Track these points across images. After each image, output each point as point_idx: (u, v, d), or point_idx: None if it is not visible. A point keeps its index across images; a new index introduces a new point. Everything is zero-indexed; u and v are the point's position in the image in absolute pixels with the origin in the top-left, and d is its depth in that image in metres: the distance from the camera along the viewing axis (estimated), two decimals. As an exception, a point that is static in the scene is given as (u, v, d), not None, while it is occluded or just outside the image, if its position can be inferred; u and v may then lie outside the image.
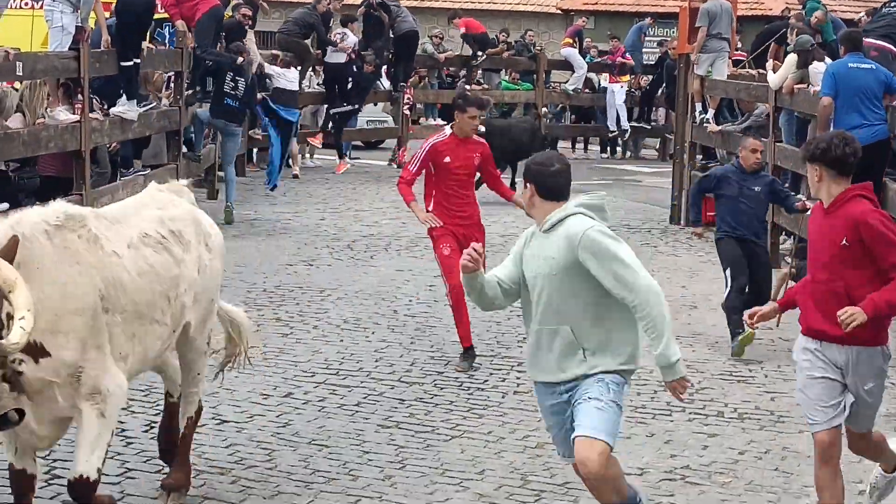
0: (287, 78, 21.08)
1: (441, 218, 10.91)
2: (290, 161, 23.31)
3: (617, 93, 27.90)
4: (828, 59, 15.69)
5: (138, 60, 15.53)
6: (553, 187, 6.65)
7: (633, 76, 28.60)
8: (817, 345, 6.90)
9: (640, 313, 6.40)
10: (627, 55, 28.34)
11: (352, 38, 23.70)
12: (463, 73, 27.74)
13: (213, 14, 17.92)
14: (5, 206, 12.91)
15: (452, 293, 10.67)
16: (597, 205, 6.69)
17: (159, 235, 7.06)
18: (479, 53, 27.07)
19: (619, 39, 29.32)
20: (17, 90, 14.51)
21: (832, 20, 18.59)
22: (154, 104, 17.12)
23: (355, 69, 23.57)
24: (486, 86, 26.98)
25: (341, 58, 23.40)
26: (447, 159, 10.85)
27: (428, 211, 11.00)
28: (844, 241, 6.76)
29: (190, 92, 18.10)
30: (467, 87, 25.70)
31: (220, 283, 7.82)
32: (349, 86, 23.57)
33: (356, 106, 23.93)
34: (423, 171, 11.06)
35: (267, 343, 11.25)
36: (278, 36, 23.84)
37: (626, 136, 28.27)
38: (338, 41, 23.50)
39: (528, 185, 6.69)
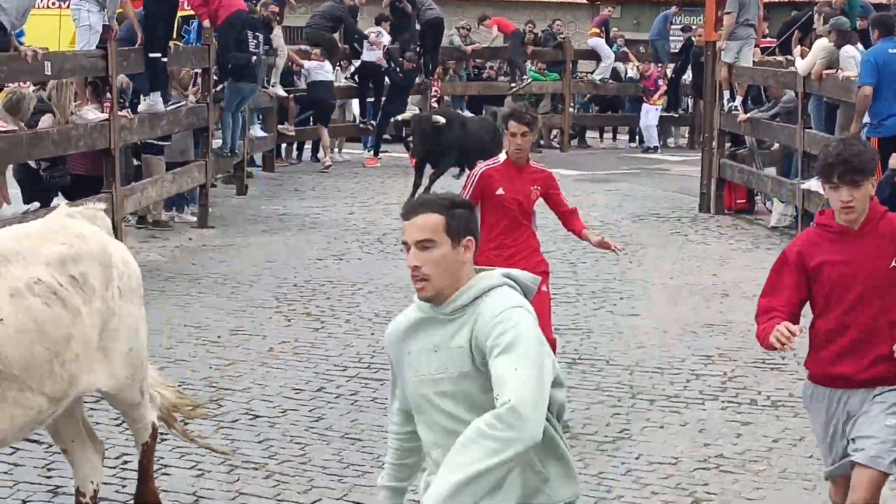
0: (325, 70, 21.63)
1: (488, 254, 8.58)
2: (321, 152, 23.44)
3: (651, 114, 27.73)
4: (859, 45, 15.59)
5: (165, 58, 15.60)
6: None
7: (659, 65, 28.45)
8: (836, 393, 6.03)
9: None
10: (661, 82, 28.00)
11: (386, 37, 23.76)
12: (490, 64, 27.77)
13: (230, 23, 17.93)
14: (35, 205, 12.97)
15: None
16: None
17: (55, 283, 5.91)
18: (516, 83, 26.83)
19: (653, 59, 28.71)
20: (43, 90, 14.56)
21: (861, 4, 18.46)
22: (182, 102, 17.18)
23: (393, 66, 23.67)
24: (527, 77, 26.98)
25: (376, 55, 23.50)
26: (500, 190, 9.02)
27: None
28: (894, 263, 5.85)
29: (217, 88, 18.13)
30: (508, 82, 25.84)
31: (145, 329, 6.65)
32: (386, 84, 23.71)
33: (404, 108, 24.07)
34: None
35: (298, 338, 11.29)
36: (306, 30, 23.94)
37: (657, 152, 27.91)
38: (372, 38, 23.60)
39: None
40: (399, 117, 20.40)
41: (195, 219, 17.43)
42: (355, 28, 24.15)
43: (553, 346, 7.85)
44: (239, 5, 18.12)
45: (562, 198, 9.49)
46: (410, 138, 19.45)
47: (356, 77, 24.76)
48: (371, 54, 23.60)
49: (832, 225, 5.92)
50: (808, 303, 6.00)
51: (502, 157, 9.14)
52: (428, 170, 19.44)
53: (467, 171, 19.17)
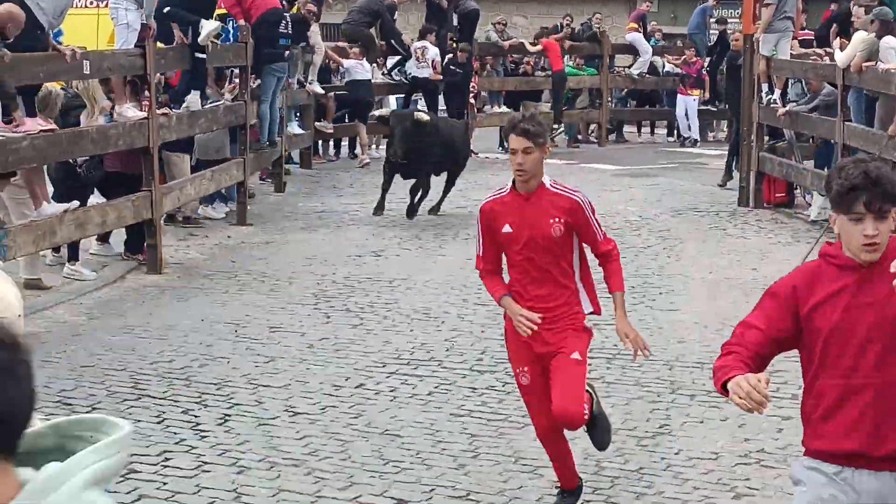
0: (363, 68, 21.74)
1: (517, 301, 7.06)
2: (359, 149, 23.49)
3: (689, 105, 27.58)
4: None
5: (204, 55, 15.66)
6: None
7: (697, 57, 28.32)
8: (846, 472, 4.71)
9: None
10: (704, 72, 27.83)
11: (432, 51, 23.76)
12: (527, 59, 27.72)
13: (264, 21, 17.94)
14: (75, 203, 13.02)
15: (538, 434, 7.34)
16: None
17: None
18: (555, 127, 26.73)
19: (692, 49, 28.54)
20: (72, 89, 14.60)
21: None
22: (218, 100, 17.24)
23: (450, 65, 23.78)
24: (559, 127, 26.90)
25: (427, 72, 23.57)
26: (507, 227, 6.95)
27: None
28: None
29: (255, 85, 18.17)
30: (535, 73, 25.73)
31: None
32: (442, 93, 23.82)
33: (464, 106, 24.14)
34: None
35: (337, 335, 11.30)
36: (344, 27, 23.99)
37: (696, 145, 27.77)
38: (419, 55, 23.67)
39: None
40: (376, 113, 19.28)
41: (222, 215, 17.52)
42: (393, 25, 24.18)
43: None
44: (273, 3, 18.15)
45: (594, 232, 7.00)
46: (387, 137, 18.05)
47: (392, 74, 24.85)
48: (422, 70, 23.67)
49: (839, 256, 4.71)
50: (798, 353, 4.93)
51: (508, 184, 7.05)
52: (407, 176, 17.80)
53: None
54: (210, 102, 16.66)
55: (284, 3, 19.45)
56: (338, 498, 7.53)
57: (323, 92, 22.12)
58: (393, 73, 24.96)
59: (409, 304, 12.50)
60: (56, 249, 13.72)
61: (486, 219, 7.02)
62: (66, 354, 10.53)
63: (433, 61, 23.67)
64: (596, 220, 6.99)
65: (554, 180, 7.06)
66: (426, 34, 24.29)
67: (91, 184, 14.17)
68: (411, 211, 17.51)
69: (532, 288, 7.00)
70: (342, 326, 11.63)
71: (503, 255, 7.11)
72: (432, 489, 7.69)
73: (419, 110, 18.66)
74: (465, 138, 19.12)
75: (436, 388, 9.80)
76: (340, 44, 23.75)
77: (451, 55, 24.06)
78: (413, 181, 17.77)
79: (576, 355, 6.94)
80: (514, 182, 6.93)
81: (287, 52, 18.48)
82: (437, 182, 18.00)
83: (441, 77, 23.74)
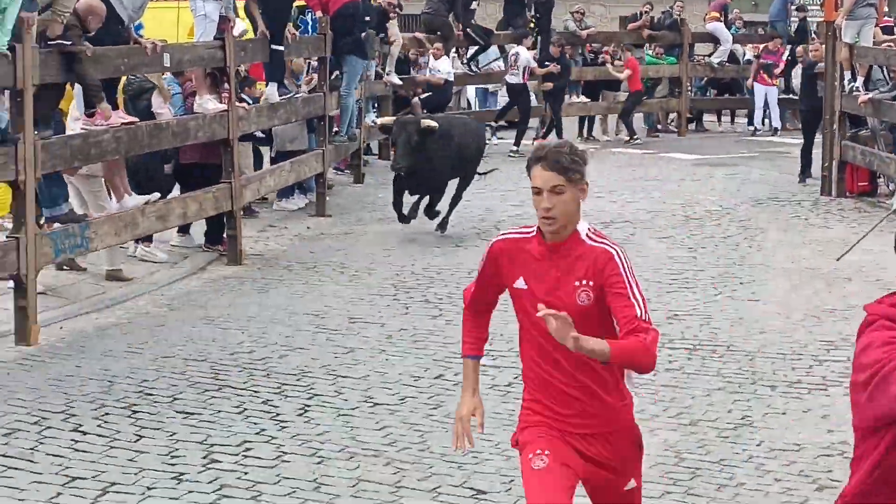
0: (444, 66, 21.81)
1: (535, 410, 5.15)
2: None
3: (769, 93, 27.29)
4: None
5: (282, 47, 15.73)
6: None
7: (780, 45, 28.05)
8: None
9: None
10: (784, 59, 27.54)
11: (524, 56, 23.70)
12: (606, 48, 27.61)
13: (339, 15, 17.96)
14: (156, 195, 13.13)
15: None
16: None
17: None
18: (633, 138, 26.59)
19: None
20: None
21: None
22: (296, 92, 17.30)
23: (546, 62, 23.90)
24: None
25: (516, 79, 23.61)
26: (520, 282, 5.14)
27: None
28: None
29: (334, 76, 18.21)
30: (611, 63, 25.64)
31: None
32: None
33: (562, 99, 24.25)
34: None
35: (416, 325, 11.31)
36: (423, 16, 24.02)
37: (777, 133, 27.50)
38: (512, 61, 23.74)
39: None
40: (378, 121, 17.21)
41: (301, 205, 17.62)
42: (469, 12, 24.15)
43: None
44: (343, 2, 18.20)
45: (625, 300, 4.81)
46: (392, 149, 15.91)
47: (470, 65, 24.88)
48: (513, 77, 23.66)
49: None
50: None
51: (535, 227, 5.10)
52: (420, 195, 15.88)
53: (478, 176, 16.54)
54: (284, 94, 16.71)
55: None
56: (417, 488, 7.53)
57: (401, 83, 22.13)
58: (471, 64, 24.96)
59: (488, 295, 12.43)
60: (139, 240, 13.85)
61: (496, 261, 5.19)
62: (147, 345, 10.62)
63: (525, 68, 23.59)
64: (634, 282, 4.83)
65: (593, 228, 5.02)
66: (521, 39, 24.26)
67: (163, 177, 14.29)
68: (443, 225, 15.85)
69: (557, 379, 5.01)
70: (421, 317, 11.63)
71: (518, 320, 5.22)
72: (511, 480, 7.66)
73: (426, 116, 16.10)
74: (480, 141, 16.78)
75: (514, 378, 9.74)
76: (418, 35, 23.77)
77: (534, 51, 23.97)
78: (419, 196, 15.75)
79: (632, 484, 5.16)
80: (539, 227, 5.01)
81: (364, 34, 18.46)
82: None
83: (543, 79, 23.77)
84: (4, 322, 11.06)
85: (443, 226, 15.74)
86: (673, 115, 28.83)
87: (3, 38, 10.52)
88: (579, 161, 4.93)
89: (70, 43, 11.42)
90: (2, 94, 11.17)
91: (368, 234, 15.76)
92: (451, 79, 23.13)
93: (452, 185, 16.13)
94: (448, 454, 8.07)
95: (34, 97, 10.81)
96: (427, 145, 14.86)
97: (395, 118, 16.29)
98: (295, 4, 17.33)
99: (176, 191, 14.44)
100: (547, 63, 24.02)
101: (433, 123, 14.95)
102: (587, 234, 4.94)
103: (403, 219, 15.45)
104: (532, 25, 24.96)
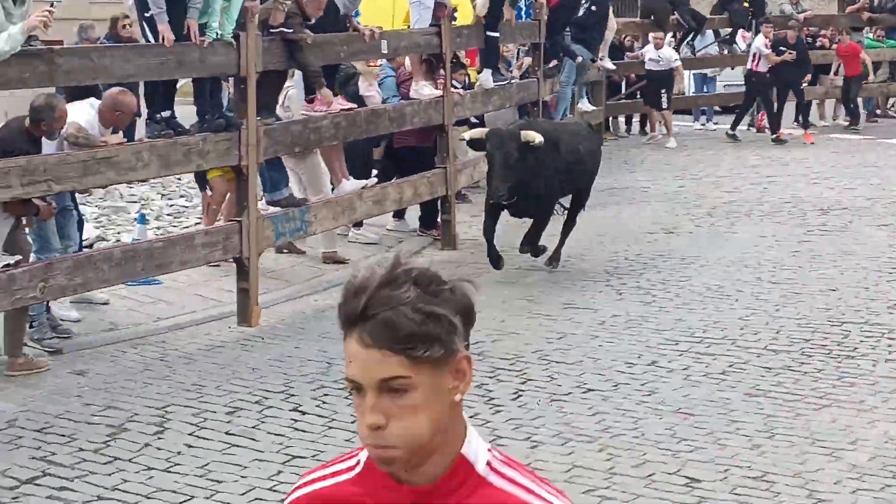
0: (669, 56, 21.81)
1: None
2: (649, 126, 23.43)
3: None
4: None
5: (497, 34, 15.80)
6: None
7: None
8: None
9: None
10: None
11: (756, 43, 23.35)
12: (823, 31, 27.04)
13: (561, 6, 17.95)
14: (373, 180, 13.35)
15: None
16: None
17: None
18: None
19: None
20: None
21: None
22: (507, 79, 17.36)
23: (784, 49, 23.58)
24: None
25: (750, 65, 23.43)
26: None
27: None
28: None
29: (551, 65, 18.21)
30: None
31: None
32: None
33: None
34: None
35: (629, 311, 11.29)
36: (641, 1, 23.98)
37: None
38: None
39: None
40: (465, 135, 13.30)
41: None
42: None
43: None
44: None
45: None
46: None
47: (679, 49, 24.73)
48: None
49: None
50: None
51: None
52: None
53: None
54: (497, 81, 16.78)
55: None
56: (631, 475, 7.53)
57: (614, 68, 22.05)
58: (680, 49, 24.71)
59: (702, 282, 12.38)
60: (355, 224, 14.11)
61: None
62: (364, 328, 10.77)
63: (757, 55, 23.17)
64: None
65: (500, 452, 2.43)
66: (760, 25, 23.84)
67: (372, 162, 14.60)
68: (555, 258, 13.22)
69: None
70: (634, 303, 11.61)
71: None
72: (727, 469, 7.62)
73: (527, 125, 12.83)
74: (595, 148, 14.07)
75: (729, 366, 9.69)
76: (635, 19, 23.71)
77: (766, 38, 23.55)
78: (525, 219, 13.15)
79: None
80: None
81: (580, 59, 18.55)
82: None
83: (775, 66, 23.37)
84: (227, 303, 11.38)
85: (555, 259, 13.17)
86: (893, 100, 28.12)
87: (228, 27, 10.83)
88: (446, 307, 2.28)
89: (291, 31, 11.69)
90: (226, 81, 11.49)
91: (582, 220, 15.73)
92: (678, 66, 22.95)
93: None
94: (662, 442, 8.06)
95: (257, 84, 11.10)
96: (531, 162, 12.22)
97: (486, 130, 12.92)
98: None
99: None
100: (782, 49, 23.51)
101: (538, 137, 12.12)
102: (490, 467, 2.38)
103: (495, 262, 12.68)
104: (747, 4, 24.57)
